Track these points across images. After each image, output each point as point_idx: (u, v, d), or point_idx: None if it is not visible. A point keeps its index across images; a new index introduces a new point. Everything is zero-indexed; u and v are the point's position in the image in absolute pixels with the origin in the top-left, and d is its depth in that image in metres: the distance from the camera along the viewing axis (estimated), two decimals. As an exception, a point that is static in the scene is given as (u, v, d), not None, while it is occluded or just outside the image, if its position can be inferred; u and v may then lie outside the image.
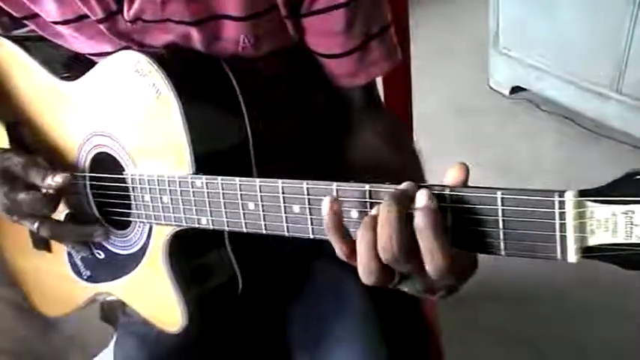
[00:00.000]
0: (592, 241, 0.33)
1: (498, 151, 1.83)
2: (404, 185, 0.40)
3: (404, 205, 0.38)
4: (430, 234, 0.37)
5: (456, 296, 0.44)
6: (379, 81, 0.71)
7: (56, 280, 0.72)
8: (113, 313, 0.90)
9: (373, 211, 0.40)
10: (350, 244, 0.41)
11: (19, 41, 0.67)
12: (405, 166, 0.62)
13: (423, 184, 0.39)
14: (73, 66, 0.65)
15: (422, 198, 0.38)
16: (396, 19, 0.63)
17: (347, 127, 0.65)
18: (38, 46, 0.66)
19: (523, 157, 1.81)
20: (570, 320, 1.33)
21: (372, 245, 0.39)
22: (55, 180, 0.57)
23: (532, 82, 1.95)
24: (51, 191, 0.58)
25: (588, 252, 0.33)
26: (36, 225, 0.60)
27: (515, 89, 2.04)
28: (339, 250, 0.42)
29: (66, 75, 0.64)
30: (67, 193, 0.62)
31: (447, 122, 1.97)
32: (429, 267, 0.38)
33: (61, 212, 0.65)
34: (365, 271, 0.40)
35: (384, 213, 0.38)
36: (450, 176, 0.39)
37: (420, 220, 0.37)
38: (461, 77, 2.19)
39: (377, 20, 0.59)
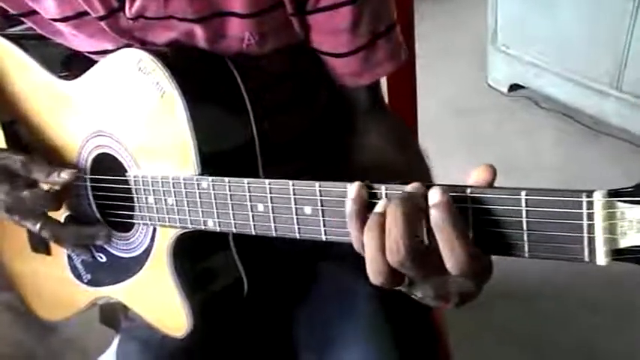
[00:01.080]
0: (623, 243, 0.32)
1: (497, 149, 1.83)
2: (411, 187, 0.38)
3: (412, 206, 0.37)
4: (449, 229, 0.35)
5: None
6: (383, 80, 0.70)
7: (56, 283, 0.71)
8: (113, 316, 0.89)
9: (380, 208, 0.39)
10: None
11: (15, 39, 0.65)
12: (412, 167, 0.61)
13: (440, 184, 0.38)
14: (71, 65, 0.63)
15: (435, 195, 0.36)
16: (401, 18, 0.61)
17: (352, 128, 0.64)
18: (35, 44, 0.65)
19: (522, 155, 1.80)
20: (579, 321, 1.33)
21: (380, 243, 0.38)
22: (61, 176, 0.56)
23: (531, 80, 1.94)
24: (56, 187, 0.56)
25: (618, 254, 0.32)
26: (38, 226, 0.59)
27: (514, 87, 2.03)
28: (356, 240, 0.40)
29: (64, 74, 0.62)
30: (70, 191, 0.60)
31: (446, 121, 1.96)
32: (449, 264, 0.36)
33: (61, 215, 0.64)
34: (373, 270, 0.39)
35: (391, 215, 0.37)
36: (474, 177, 0.37)
37: (436, 216, 0.36)
38: (460, 75, 2.18)
39: (384, 18, 0.58)
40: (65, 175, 0.56)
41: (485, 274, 0.39)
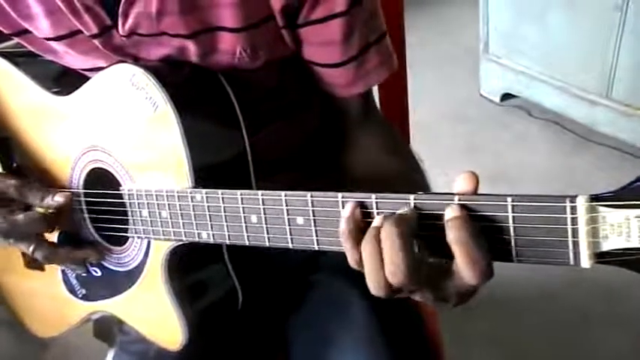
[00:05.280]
0: (605, 246, 0.33)
1: (490, 158, 1.84)
2: (406, 210, 0.39)
3: (406, 228, 0.38)
4: (470, 244, 0.36)
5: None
6: (375, 92, 0.71)
7: (50, 299, 0.70)
8: (107, 329, 0.88)
9: (376, 222, 0.39)
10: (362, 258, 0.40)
11: (7, 55, 0.66)
12: (406, 174, 0.61)
13: (429, 193, 0.39)
14: (64, 80, 0.64)
15: (452, 211, 0.37)
16: (393, 28, 0.62)
17: (346, 137, 0.65)
18: (27, 61, 0.65)
19: (514, 164, 1.82)
20: (570, 330, 1.33)
21: (379, 259, 0.38)
22: (55, 200, 0.56)
23: (522, 89, 1.96)
24: (51, 211, 0.56)
25: (602, 257, 0.33)
26: (31, 248, 0.59)
27: (506, 96, 2.05)
28: (352, 258, 0.41)
29: (57, 90, 0.63)
30: (66, 212, 0.60)
31: (439, 130, 1.97)
32: (469, 277, 0.37)
33: (54, 230, 0.64)
34: (373, 284, 0.40)
35: (387, 238, 0.37)
36: (458, 185, 0.38)
37: (456, 234, 0.36)
38: (452, 85, 2.20)
39: (374, 29, 0.59)
40: (59, 199, 0.56)
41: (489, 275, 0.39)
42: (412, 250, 0.37)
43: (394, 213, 0.39)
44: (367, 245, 0.39)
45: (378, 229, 0.39)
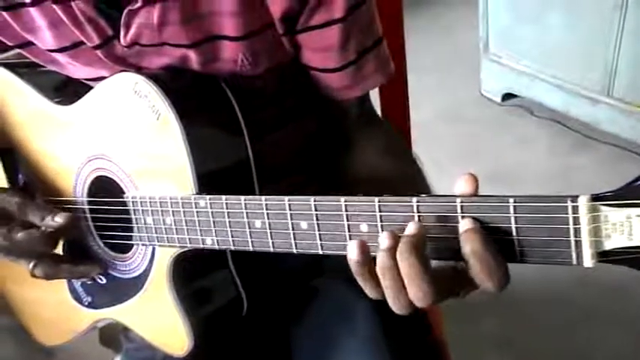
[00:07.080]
0: (608, 245, 0.33)
1: (492, 158, 1.84)
2: (414, 228, 0.38)
3: (422, 249, 0.38)
4: (487, 256, 0.36)
5: (457, 308, 0.44)
6: (376, 93, 0.71)
7: (56, 308, 0.71)
8: (113, 336, 0.89)
9: (386, 243, 0.39)
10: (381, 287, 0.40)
11: (10, 65, 0.66)
12: (409, 177, 0.62)
13: (432, 195, 0.39)
14: (66, 90, 0.64)
15: (466, 223, 0.37)
16: (392, 30, 0.63)
17: (345, 140, 0.65)
18: (30, 71, 0.66)
19: (517, 163, 1.82)
20: (577, 330, 1.33)
21: (400, 285, 0.39)
22: (55, 220, 0.56)
23: (523, 89, 1.96)
24: (50, 229, 0.57)
25: (604, 256, 0.33)
26: (31, 265, 0.59)
27: (507, 96, 2.05)
28: (370, 293, 0.41)
29: (60, 99, 0.63)
30: (67, 230, 0.60)
31: (441, 131, 1.97)
32: (489, 283, 0.37)
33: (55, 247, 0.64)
34: (398, 308, 0.40)
35: (406, 268, 0.37)
36: (459, 187, 0.38)
37: (474, 247, 0.36)
38: (453, 86, 2.20)
39: (371, 34, 0.60)
40: (59, 219, 0.56)
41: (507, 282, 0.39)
42: (432, 274, 0.37)
43: (400, 226, 0.39)
44: (385, 279, 0.39)
45: (392, 250, 0.38)
